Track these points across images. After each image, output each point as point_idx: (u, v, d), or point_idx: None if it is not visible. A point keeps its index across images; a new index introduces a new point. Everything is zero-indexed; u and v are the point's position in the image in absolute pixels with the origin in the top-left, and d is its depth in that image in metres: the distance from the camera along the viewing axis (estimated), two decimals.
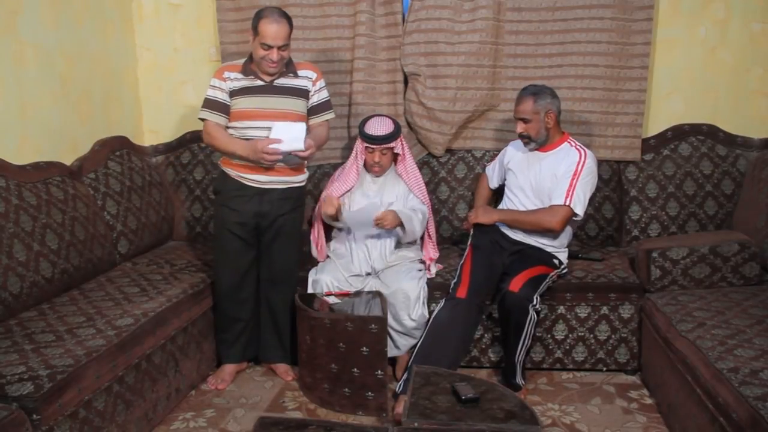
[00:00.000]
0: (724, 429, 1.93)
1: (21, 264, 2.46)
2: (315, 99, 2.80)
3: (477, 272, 2.75)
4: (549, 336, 2.90)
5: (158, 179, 3.53)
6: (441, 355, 2.59)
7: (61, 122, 3.00)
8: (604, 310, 2.87)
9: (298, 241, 2.94)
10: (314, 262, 3.03)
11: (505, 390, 2.17)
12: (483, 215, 2.93)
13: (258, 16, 2.60)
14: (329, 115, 2.86)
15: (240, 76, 2.70)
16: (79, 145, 3.13)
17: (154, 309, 2.50)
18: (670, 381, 2.45)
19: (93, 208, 2.98)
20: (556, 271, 2.81)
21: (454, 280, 2.78)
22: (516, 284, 2.62)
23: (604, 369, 2.93)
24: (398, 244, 3.01)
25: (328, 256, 3.03)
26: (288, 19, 2.63)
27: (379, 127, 2.88)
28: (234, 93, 2.69)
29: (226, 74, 2.70)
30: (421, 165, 3.44)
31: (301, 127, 2.63)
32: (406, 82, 3.43)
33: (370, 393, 2.61)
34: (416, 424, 1.91)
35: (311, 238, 3.05)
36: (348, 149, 3.29)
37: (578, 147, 2.85)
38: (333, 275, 2.88)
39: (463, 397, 2.02)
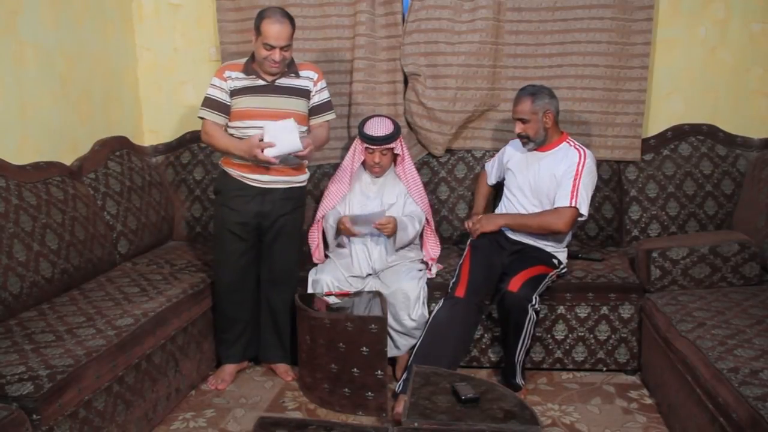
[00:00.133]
0: (724, 429, 1.93)
1: (21, 264, 2.46)
2: (316, 99, 2.80)
3: (475, 272, 2.75)
4: (549, 336, 2.90)
5: (158, 179, 3.53)
6: (440, 355, 2.59)
7: (61, 122, 3.00)
8: (604, 310, 2.87)
9: (299, 241, 2.94)
10: (314, 262, 3.03)
11: (505, 390, 2.17)
12: (487, 223, 2.89)
13: (261, 17, 2.60)
14: (330, 116, 2.86)
15: (241, 75, 2.70)
16: (79, 145, 3.13)
17: (154, 309, 2.50)
18: (670, 381, 2.45)
19: (93, 208, 2.98)
20: (555, 271, 2.81)
21: (453, 280, 2.78)
22: (515, 284, 2.62)
23: (604, 369, 2.93)
24: None
25: (327, 256, 3.03)
26: (291, 19, 2.62)
27: (378, 127, 2.88)
28: (235, 92, 2.69)
29: (227, 73, 2.70)
30: (421, 165, 3.44)
31: (291, 123, 2.59)
32: (406, 82, 3.42)
33: (370, 393, 2.61)
34: (416, 424, 1.91)
35: (310, 240, 3.05)
36: (348, 149, 3.28)
37: (577, 147, 2.85)
38: (333, 275, 2.88)
39: (463, 397, 2.02)
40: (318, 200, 3.23)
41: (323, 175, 3.46)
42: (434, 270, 2.98)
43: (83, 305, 2.50)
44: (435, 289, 2.89)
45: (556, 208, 2.79)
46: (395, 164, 3.02)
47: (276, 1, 3.25)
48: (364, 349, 2.57)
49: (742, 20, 3.24)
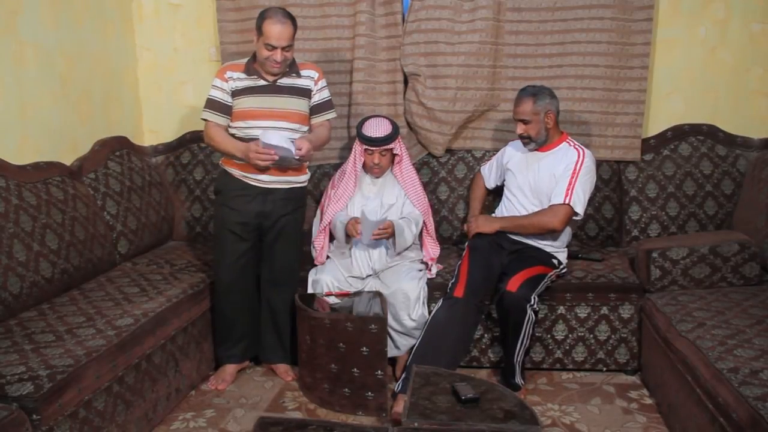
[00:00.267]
0: (724, 429, 1.93)
1: (21, 264, 2.45)
2: (317, 98, 2.80)
3: (474, 272, 2.75)
4: (549, 336, 2.90)
5: (158, 179, 3.53)
6: (439, 355, 2.59)
7: (61, 122, 3.00)
8: (604, 310, 2.87)
9: (300, 241, 2.94)
10: (314, 262, 3.03)
11: (505, 390, 2.17)
12: (484, 224, 2.92)
13: (262, 17, 2.60)
14: (331, 115, 2.86)
15: (243, 75, 2.70)
16: (79, 145, 3.13)
17: (154, 309, 2.50)
18: (670, 381, 2.45)
19: (93, 208, 2.98)
20: (554, 271, 2.81)
21: (452, 280, 2.78)
22: (514, 284, 2.62)
23: (604, 369, 2.93)
24: None
25: (328, 257, 3.03)
26: (292, 19, 2.62)
27: (377, 128, 2.88)
28: (236, 93, 2.69)
29: (228, 74, 2.70)
30: (421, 165, 3.44)
31: (284, 135, 2.60)
32: (406, 82, 3.42)
33: (370, 393, 2.61)
34: (416, 424, 1.91)
35: (315, 243, 3.03)
36: (348, 149, 3.28)
37: (576, 146, 2.86)
38: (333, 275, 2.87)
39: (463, 397, 2.02)
40: (318, 200, 3.23)
41: (323, 175, 3.45)
42: (434, 270, 2.98)
43: (83, 305, 2.50)
44: (435, 289, 2.89)
45: (551, 206, 2.79)
46: (393, 165, 3.01)
47: (276, 1, 3.25)
48: (364, 349, 2.57)
49: (742, 20, 3.24)
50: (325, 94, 2.82)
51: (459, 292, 2.70)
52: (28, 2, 2.78)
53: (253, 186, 2.73)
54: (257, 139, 2.62)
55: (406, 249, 2.98)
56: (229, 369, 2.93)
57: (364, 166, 2.98)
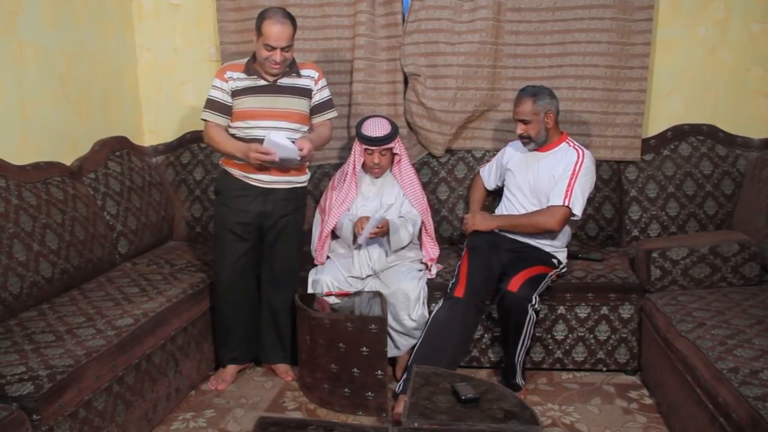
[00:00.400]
0: (724, 429, 1.93)
1: (21, 264, 2.45)
2: (317, 98, 2.80)
3: (474, 272, 2.75)
4: (549, 336, 2.90)
5: (158, 179, 3.53)
6: (439, 355, 2.59)
7: (61, 122, 3.00)
8: (604, 310, 2.87)
9: (300, 241, 2.94)
10: (314, 262, 3.03)
11: (505, 390, 2.17)
12: (481, 222, 2.93)
13: (261, 17, 2.60)
14: (331, 114, 2.86)
15: (243, 75, 2.69)
16: (79, 145, 3.13)
17: (154, 309, 2.50)
18: (670, 381, 2.45)
19: (93, 208, 2.98)
20: (555, 270, 2.81)
21: (452, 281, 2.78)
22: (515, 284, 2.62)
23: (604, 369, 2.93)
24: None
25: (328, 257, 3.03)
26: (292, 20, 2.62)
27: (376, 128, 2.88)
28: (237, 93, 2.69)
29: (228, 74, 2.70)
30: (421, 165, 3.44)
31: (286, 139, 2.60)
32: (406, 82, 3.42)
33: (370, 393, 2.61)
34: (416, 424, 1.91)
35: (317, 244, 3.03)
36: (348, 149, 3.28)
37: (576, 147, 2.86)
38: (333, 275, 2.87)
39: (463, 397, 2.02)
40: (318, 200, 3.22)
41: (323, 175, 3.45)
42: (434, 270, 2.98)
43: (83, 305, 2.50)
44: (435, 289, 2.89)
45: (548, 207, 2.79)
46: (392, 165, 3.01)
47: (276, 1, 3.25)
48: (364, 349, 2.57)
49: (742, 20, 3.24)
50: (325, 94, 2.82)
51: (459, 292, 2.70)
52: (28, 2, 2.78)
53: (253, 186, 2.73)
54: (258, 139, 2.62)
55: (404, 248, 2.97)
56: (230, 369, 2.93)
57: (364, 166, 2.98)
